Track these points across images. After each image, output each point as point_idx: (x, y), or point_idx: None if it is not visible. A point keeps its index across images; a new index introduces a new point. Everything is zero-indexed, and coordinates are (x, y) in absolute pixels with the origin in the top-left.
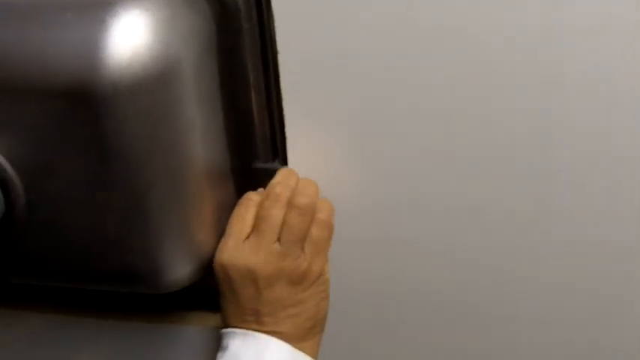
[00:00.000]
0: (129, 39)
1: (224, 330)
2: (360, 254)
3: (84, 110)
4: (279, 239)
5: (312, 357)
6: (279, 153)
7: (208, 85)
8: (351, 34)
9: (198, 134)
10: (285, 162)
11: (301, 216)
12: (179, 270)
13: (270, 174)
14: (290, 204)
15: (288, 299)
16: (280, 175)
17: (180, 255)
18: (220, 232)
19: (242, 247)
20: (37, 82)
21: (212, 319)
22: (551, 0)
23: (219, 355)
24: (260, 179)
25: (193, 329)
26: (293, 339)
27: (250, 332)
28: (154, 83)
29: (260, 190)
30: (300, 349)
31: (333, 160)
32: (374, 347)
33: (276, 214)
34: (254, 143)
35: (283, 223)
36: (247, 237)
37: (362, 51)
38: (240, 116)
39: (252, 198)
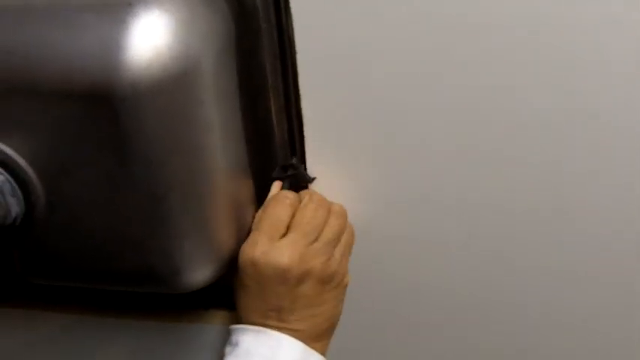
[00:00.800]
0: (149, 40)
1: (235, 326)
2: (377, 252)
3: (104, 111)
4: (316, 239)
5: (323, 357)
6: (297, 154)
7: (227, 85)
8: (370, 35)
9: (218, 135)
10: (303, 162)
11: (339, 219)
12: (198, 270)
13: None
14: (330, 210)
15: (314, 298)
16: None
17: (199, 255)
18: (240, 232)
19: (278, 244)
20: (57, 83)
21: (228, 318)
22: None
23: (228, 350)
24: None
25: (210, 328)
26: (309, 338)
27: (263, 329)
28: (173, 84)
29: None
30: (313, 348)
31: (351, 161)
32: (383, 347)
33: (322, 215)
34: (272, 144)
35: (324, 224)
36: (283, 235)
37: (381, 51)
38: (258, 117)
39: (289, 197)
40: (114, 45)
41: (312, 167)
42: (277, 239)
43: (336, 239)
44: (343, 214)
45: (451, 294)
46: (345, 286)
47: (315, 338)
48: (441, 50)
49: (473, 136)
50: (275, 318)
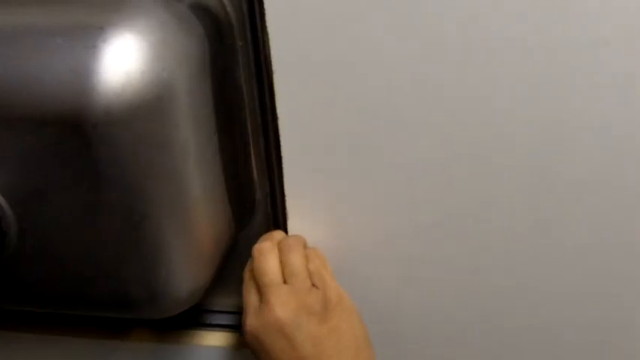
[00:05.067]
0: (121, 64)
1: None
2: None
3: (76, 138)
4: (286, 282)
5: None
6: (275, 173)
7: (202, 107)
8: (349, 52)
9: (194, 159)
10: (281, 181)
11: (295, 253)
12: (176, 296)
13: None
14: (280, 250)
15: (321, 331)
16: (262, 238)
17: (176, 281)
18: (217, 257)
19: (259, 311)
20: (26, 110)
21: (209, 338)
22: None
23: None
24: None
25: (191, 348)
26: None
27: None
28: (147, 109)
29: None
30: None
31: (331, 182)
32: None
33: (271, 265)
34: (249, 165)
35: (282, 267)
36: (258, 301)
37: (360, 70)
38: (235, 138)
39: (247, 270)
40: (85, 70)
41: (290, 185)
42: (258, 306)
43: (303, 270)
44: (296, 245)
45: (445, 326)
46: (348, 302)
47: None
48: (421, 68)
49: (471, 167)
50: None
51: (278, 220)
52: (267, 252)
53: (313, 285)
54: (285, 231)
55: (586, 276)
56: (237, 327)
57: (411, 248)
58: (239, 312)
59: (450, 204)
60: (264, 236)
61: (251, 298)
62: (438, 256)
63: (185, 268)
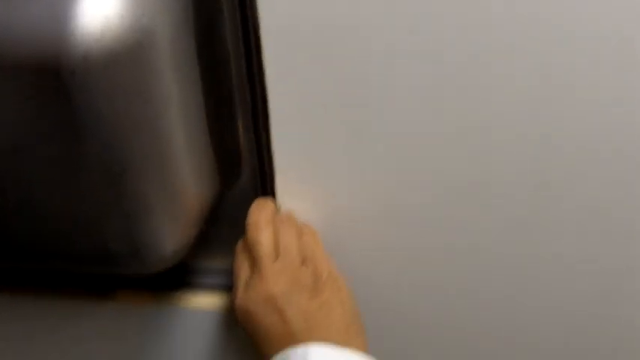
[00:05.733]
0: (100, 9)
1: None
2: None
3: (53, 86)
4: (278, 257)
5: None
6: (260, 125)
7: (186, 57)
8: (337, 7)
9: (176, 110)
10: (267, 132)
11: (287, 228)
12: (159, 252)
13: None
14: (274, 224)
15: (312, 306)
16: (254, 206)
17: (160, 236)
18: (201, 211)
19: (251, 284)
20: (2, 56)
21: (195, 300)
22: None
23: None
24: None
25: (177, 310)
26: (334, 344)
27: (287, 350)
28: (127, 55)
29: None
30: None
31: (317, 129)
32: None
33: (265, 238)
34: (234, 119)
35: (275, 242)
36: (250, 275)
37: (349, 20)
38: (220, 90)
39: (240, 244)
40: (63, 15)
41: (277, 134)
42: (249, 281)
43: (294, 246)
44: (289, 221)
45: (433, 302)
46: (338, 279)
47: (341, 343)
48: (420, 34)
49: (463, 158)
50: (290, 343)
51: (265, 178)
52: (261, 225)
53: (304, 260)
54: (273, 190)
55: (587, 252)
56: (221, 287)
57: (403, 224)
58: (225, 273)
59: (447, 179)
60: (257, 207)
61: (242, 271)
62: (432, 233)
63: (168, 224)
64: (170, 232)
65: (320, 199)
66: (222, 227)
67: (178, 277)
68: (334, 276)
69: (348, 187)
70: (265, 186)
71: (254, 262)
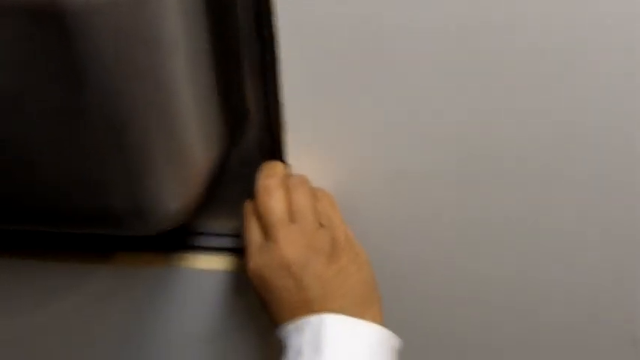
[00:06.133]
0: None
1: (279, 331)
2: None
3: (53, 30)
4: (293, 221)
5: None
6: (268, 75)
7: (193, 3)
8: None
9: (182, 58)
10: (274, 85)
11: (301, 191)
12: (163, 211)
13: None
14: (286, 188)
15: (328, 272)
16: (264, 170)
17: (163, 194)
18: (208, 168)
19: (265, 246)
20: None
21: (196, 260)
22: None
23: (283, 358)
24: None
25: (179, 272)
26: (350, 312)
27: (302, 320)
28: None
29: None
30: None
31: (330, 85)
32: None
33: (276, 203)
34: (241, 68)
35: (290, 205)
36: (263, 240)
37: None
38: (227, 40)
39: (248, 206)
40: None
41: (286, 84)
42: (263, 243)
43: (311, 210)
44: (302, 184)
45: (447, 269)
46: (355, 246)
47: (357, 311)
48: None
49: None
50: (305, 310)
51: (273, 135)
52: (273, 189)
53: (321, 225)
54: (281, 149)
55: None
56: (228, 250)
57: (418, 187)
58: (231, 235)
59: (464, 141)
60: (267, 171)
61: (254, 235)
62: (447, 197)
63: (173, 181)
64: (174, 190)
65: (332, 159)
66: (227, 186)
67: (181, 239)
68: (352, 242)
69: (362, 148)
70: (273, 143)
71: (266, 228)
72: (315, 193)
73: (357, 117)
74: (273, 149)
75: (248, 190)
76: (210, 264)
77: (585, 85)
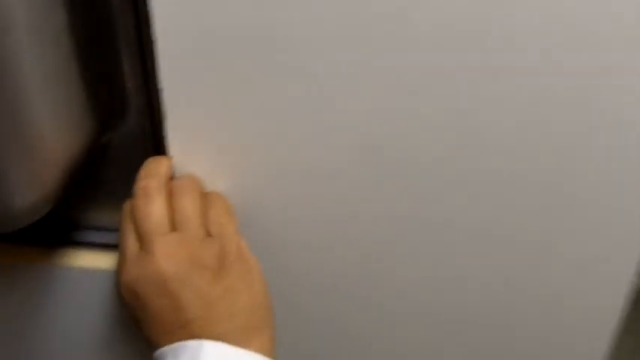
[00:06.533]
0: None
1: (155, 354)
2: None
3: None
4: (174, 230)
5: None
6: (146, 56)
7: None
8: None
9: (22, 32)
10: (152, 62)
11: (186, 195)
12: (6, 208)
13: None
14: (171, 192)
15: (213, 291)
16: (144, 169)
17: (8, 188)
18: (67, 159)
19: (139, 260)
20: None
21: (80, 258)
22: None
23: None
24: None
25: (58, 269)
26: (234, 339)
27: (179, 344)
28: None
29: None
30: (245, 348)
31: (210, 73)
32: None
33: (154, 208)
34: (115, 44)
35: (172, 212)
36: (139, 249)
37: None
38: (95, 10)
39: (127, 210)
40: None
41: (164, 67)
42: (137, 253)
43: (197, 216)
44: (188, 187)
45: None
46: (249, 261)
47: (243, 337)
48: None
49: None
50: (185, 334)
51: (154, 118)
52: (152, 192)
53: (209, 235)
54: (161, 136)
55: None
56: (110, 246)
57: (321, 183)
58: (113, 229)
59: (364, 133)
60: (149, 170)
61: (129, 242)
62: (351, 192)
63: (18, 172)
64: (21, 183)
65: (219, 155)
66: (110, 176)
67: (62, 233)
68: (244, 255)
69: (253, 137)
70: (155, 126)
71: (142, 237)
72: (206, 197)
73: (245, 105)
74: (154, 138)
75: (131, 180)
76: (91, 261)
77: (494, 82)
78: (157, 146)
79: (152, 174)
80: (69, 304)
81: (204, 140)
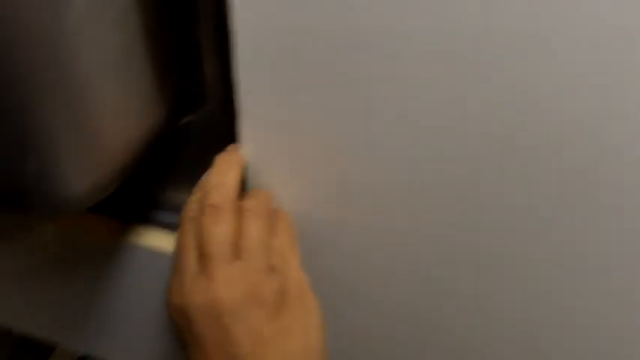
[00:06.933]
0: None
1: None
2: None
3: None
4: (237, 258)
5: None
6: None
7: None
8: None
9: (82, 5)
10: (229, 53)
11: (255, 222)
12: (65, 192)
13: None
14: (239, 211)
15: (267, 329)
16: (217, 173)
17: (62, 174)
18: (133, 144)
19: (198, 279)
20: None
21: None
22: None
23: None
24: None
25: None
26: None
27: None
28: None
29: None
30: None
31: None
32: None
33: (223, 231)
34: (193, 27)
35: (238, 235)
36: (197, 269)
37: None
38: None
39: (189, 214)
40: None
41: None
42: (197, 274)
43: (264, 246)
44: (260, 212)
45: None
46: (311, 302)
47: None
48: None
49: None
50: None
51: (230, 108)
52: (222, 213)
53: (272, 267)
54: (234, 133)
55: None
56: None
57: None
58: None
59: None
60: (220, 176)
61: (190, 261)
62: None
63: (75, 156)
64: (78, 168)
65: (293, 158)
66: (190, 157)
67: (140, 212)
68: (305, 297)
69: (325, 144)
70: (229, 121)
71: (203, 258)
72: (273, 225)
73: (323, 110)
74: (229, 129)
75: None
76: (164, 242)
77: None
78: (232, 137)
79: (223, 184)
80: (136, 282)
81: (277, 141)
